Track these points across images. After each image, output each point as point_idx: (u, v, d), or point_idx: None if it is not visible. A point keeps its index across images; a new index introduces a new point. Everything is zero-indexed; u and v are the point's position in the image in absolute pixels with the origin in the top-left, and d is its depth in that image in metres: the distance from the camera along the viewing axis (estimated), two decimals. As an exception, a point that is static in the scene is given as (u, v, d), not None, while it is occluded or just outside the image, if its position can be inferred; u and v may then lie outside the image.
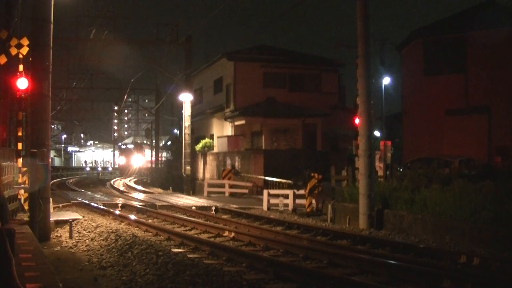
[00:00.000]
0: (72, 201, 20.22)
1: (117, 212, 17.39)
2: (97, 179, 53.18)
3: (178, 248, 10.80)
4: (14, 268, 3.72)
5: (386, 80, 38.20)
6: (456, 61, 25.24)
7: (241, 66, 32.60)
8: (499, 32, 23.63)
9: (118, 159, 72.53)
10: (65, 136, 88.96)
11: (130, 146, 65.97)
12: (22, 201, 14.57)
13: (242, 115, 31.24)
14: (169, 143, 56.77)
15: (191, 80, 31.29)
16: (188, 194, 27.37)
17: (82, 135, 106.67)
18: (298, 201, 18.27)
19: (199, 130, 38.41)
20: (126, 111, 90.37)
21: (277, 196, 19.21)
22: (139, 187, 35.87)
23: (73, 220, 13.00)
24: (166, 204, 20.34)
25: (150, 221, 15.58)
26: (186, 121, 29.39)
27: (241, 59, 33.02)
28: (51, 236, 12.07)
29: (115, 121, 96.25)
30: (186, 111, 29.44)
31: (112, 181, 43.20)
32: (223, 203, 20.68)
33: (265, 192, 19.51)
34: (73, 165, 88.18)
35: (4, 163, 12.77)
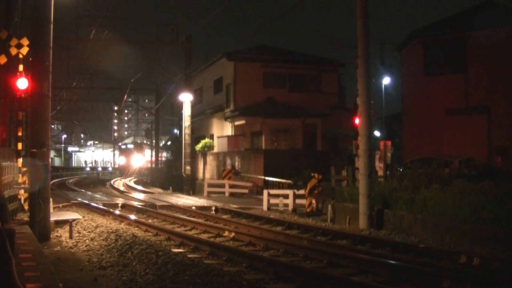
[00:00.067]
0: (72, 201, 20.23)
1: (117, 212, 17.39)
2: (97, 179, 53.21)
3: (178, 248, 10.80)
4: (14, 268, 3.72)
5: (386, 80, 38.26)
6: (456, 61, 25.24)
7: (241, 66, 32.61)
8: (499, 32, 23.63)
9: (118, 159, 72.56)
10: (65, 136, 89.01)
11: (130, 146, 65.98)
12: (22, 201, 14.57)
13: (242, 115, 31.24)
14: (169, 143, 56.78)
15: (191, 80, 31.29)
16: (188, 194, 27.38)
17: (82, 135, 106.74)
18: (298, 201, 18.26)
19: (199, 130, 38.42)
20: (126, 111, 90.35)
21: (277, 196, 19.21)
22: (139, 187, 35.88)
23: (73, 220, 13.00)
24: (166, 204, 20.34)
25: (150, 221, 15.58)
26: (186, 121, 29.39)
27: (241, 59, 33.02)
28: (51, 236, 12.07)
29: (115, 121, 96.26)
30: (186, 111, 29.45)
31: (112, 181, 43.21)
32: (223, 203, 20.68)
33: (265, 192, 19.51)
34: (73, 165, 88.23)
35: (4, 163, 12.76)
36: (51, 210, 12.82)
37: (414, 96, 27.42)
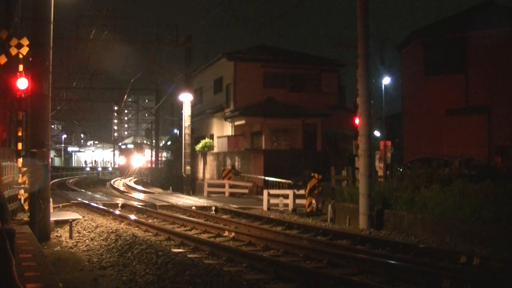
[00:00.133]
0: (72, 201, 20.23)
1: (117, 212, 17.39)
2: (97, 179, 53.21)
3: (178, 248, 10.81)
4: (14, 268, 3.72)
5: (386, 80, 38.30)
6: (456, 61, 25.24)
7: (241, 66, 32.60)
8: (499, 32, 23.64)
9: (118, 159, 72.57)
10: (65, 136, 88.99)
11: (130, 146, 65.96)
12: (22, 201, 14.57)
13: (242, 115, 31.24)
14: (169, 143, 56.75)
15: (191, 80, 31.29)
16: (188, 194, 27.37)
17: (82, 135, 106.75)
18: (298, 201, 18.26)
19: (199, 130, 38.41)
20: (126, 111, 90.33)
21: (277, 196, 19.21)
22: (139, 187, 35.88)
23: (73, 220, 13.00)
24: (166, 204, 20.34)
25: (150, 221, 15.58)
26: (186, 121, 29.39)
27: (241, 59, 33.02)
28: (51, 236, 12.06)
29: (115, 121, 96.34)
30: (186, 111, 29.44)
31: (112, 181, 43.22)
32: (223, 203, 20.68)
33: (265, 192, 19.51)
34: (73, 165, 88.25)
35: (4, 163, 12.77)
36: (51, 210, 12.82)
37: (414, 96, 27.43)
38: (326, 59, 35.69)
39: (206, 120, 37.87)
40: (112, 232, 12.43)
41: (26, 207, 13.70)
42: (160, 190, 32.55)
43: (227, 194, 25.79)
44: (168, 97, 43.49)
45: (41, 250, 8.17)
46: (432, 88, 25.89)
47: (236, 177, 27.00)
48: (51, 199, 12.49)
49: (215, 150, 33.51)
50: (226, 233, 12.59)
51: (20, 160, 14.68)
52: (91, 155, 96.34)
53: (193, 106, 31.75)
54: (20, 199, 14.61)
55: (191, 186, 29.54)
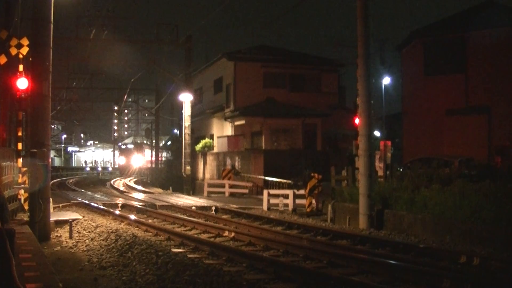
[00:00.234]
0: (72, 201, 20.23)
1: (117, 212, 17.39)
2: (97, 179, 53.20)
3: (178, 248, 10.80)
4: (14, 268, 3.72)
5: (386, 80, 38.30)
6: (456, 61, 25.25)
7: (241, 66, 32.60)
8: (499, 32, 23.65)
9: (118, 159, 72.57)
10: (65, 136, 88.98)
11: (130, 146, 65.98)
12: (22, 201, 14.58)
13: (242, 115, 31.24)
14: (169, 143, 56.75)
15: (191, 80, 31.29)
16: (188, 194, 27.37)
17: (82, 135, 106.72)
18: (298, 201, 18.26)
19: (199, 130, 38.42)
20: (126, 111, 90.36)
21: (277, 196, 19.21)
22: (139, 187, 35.88)
23: (73, 220, 13.00)
24: (166, 204, 20.34)
25: (150, 221, 15.58)
26: (186, 121, 29.39)
27: (241, 59, 33.02)
28: (51, 236, 12.06)
29: (115, 121, 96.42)
30: (186, 111, 29.44)
31: (112, 181, 43.22)
32: (223, 203, 20.68)
33: (265, 192, 19.51)
34: (73, 165, 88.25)
35: (4, 163, 12.77)
36: (51, 210, 12.82)
37: (414, 96, 27.43)
38: (326, 59, 35.69)
39: (206, 120, 37.87)
40: (112, 232, 12.43)
41: (26, 207, 13.71)
42: (160, 190, 32.55)
43: (227, 194, 25.79)
44: (168, 97, 43.51)
45: (41, 250, 8.17)
46: (432, 88, 25.89)
47: (236, 177, 27.00)
48: (51, 199, 12.49)
49: (215, 150, 33.51)
50: (226, 233, 12.59)
51: (20, 160, 14.68)
52: (91, 155, 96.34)
53: (193, 106, 31.75)
54: (20, 199, 14.61)
55: (191, 186, 29.54)
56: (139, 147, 60.24)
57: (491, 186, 12.15)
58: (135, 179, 46.60)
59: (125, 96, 47.70)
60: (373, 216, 13.82)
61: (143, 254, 9.54)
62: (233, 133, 32.93)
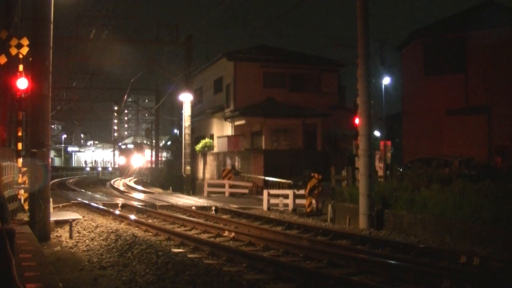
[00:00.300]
0: (72, 201, 20.23)
1: (117, 212, 17.39)
2: (97, 179, 53.19)
3: (178, 248, 10.80)
4: (14, 268, 3.72)
5: (386, 80, 38.28)
6: (456, 61, 25.25)
7: (241, 66, 32.60)
8: (499, 32, 23.64)
9: (118, 159, 72.57)
10: (65, 136, 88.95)
11: (130, 146, 65.99)
12: (22, 201, 14.58)
13: (242, 115, 31.24)
14: (169, 143, 56.77)
15: (191, 80, 31.29)
16: (188, 194, 27.38)
17: (82, 135, 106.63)
18: (298, 201, 18.27)
19: (199, 130, 38.42)
20: (126, 111, 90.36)
21: (277, 196, 19.21)
22: (139, 187, 35.88)
23: (73, 220, 13.00)
24: (166, 204, 20.34)
25: (150, 221, 15.58)
26: (186, 121, 29.39)
27: (241, 59, 33.02)
28: (51, 236, 12.06)
29: (115, 121, 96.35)
30: (186, 111, 29.44)
31: (112, 181, 43.22)
32: (223, 203, 20.68)
33: (265, 192, 19.51)
34: (73, 165, 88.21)
35: (4, 163, 12.77)
36: (51, 210, 12.81)
37: (414, 96, 27.43)
38: (326, 59, 35.68)
39: (206, 120, 37.87)
40: (112, 232, 12.43)
41: (26, 207, 13.71)
42: (160, 190, 32.56)
43: (227, 194, 25.79)
44: (168, 97, 43.52)
45: (41, 250, 8.18)
46: (432, 88, 25.89)
47: (236, 177, 27.00)
48: (51, 199, 12.49)
49: (215, 150, 33.51)
50: (226, 233, 12.59)
51: (20, 160, 14.68)
52: (91, 155, 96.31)
53: (193, 106, 31.75)
54: (20, 199, 14.61)
55: (191, 186, 29.54)
56: (139, 147, 60.25)
57: (491, 186, 12.15)
58: (135, 179, 46.61)
59: (125, 96, 47.72)
60: (373, 216, 13.82)
61: (143, 254, 9.54)
62: (233, 133, 32.93)
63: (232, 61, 32.77)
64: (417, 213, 12.82)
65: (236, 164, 28.22)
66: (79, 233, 12.76)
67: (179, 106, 32.63)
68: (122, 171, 59.20)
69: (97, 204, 19.45)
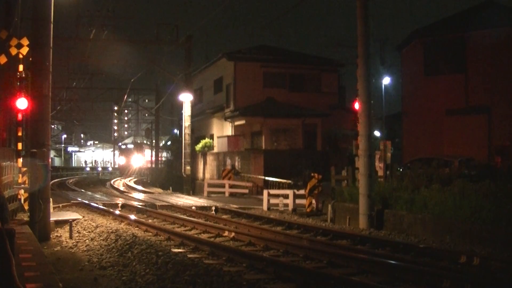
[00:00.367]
0: (72, 201, 20.23)
1: (117, 212, 17.39)
2: (97, 179, 53.19)
3: (178, 248, 10.80)
4: (14, 268, 3.72)
5: (386, 80, 38.27)
6: (456, 61, 25.25)
7: (241, 66, 32.60)
8: (499, 32, 23.65)
9: (118, 159, 72.57)
10: (65, 136, 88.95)
11: (130, 146, 65.98)
12: (22, 201, 14.57)
13: (242, 115, 31.23)
14: (169, 143, 56.74)
15: (191, 80, 31.28)
16: (188, 194, 27.38)
17: (82, 135, 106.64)
18: (298, 201, 18.26)
19: (199, 130, 38.41)
20: (126, 111, 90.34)
21: (277, 196, 19.21)
22: (139, 187, 35.88)
23: (73, 220, 13.00)
24: (166, 204, 20.34)
25: (150, 221, 15.58)
26: (186, 121, 29.39)
27: (241, 59, 33.01)
28: (51, 236, 12.07)
29: (115, 121, 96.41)
30: (186, 111, 29.44)
31: (112, 181, 43.22)
32: (223, 203, 20.68)
33: (265, 192, 19.51)
34: (73, 165, 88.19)
35: (4, 163, 12.77)
36: (51, 210, 12.82)
37: (414, 96, 27.43)
38: (326, 59, 35.68)
39: (206, 120, 37.87)
40: (112, 232, 12.43)
41: (26, 207, 13.70)
42: (160, 190, 32.56)
43: (227, 194, 25.78)
44: (168, 97, 43.51)
45: (41, 250, 8.18)
46: (432, 88, 25.89)
47: (236, 177, 27.00)
48: (51, 199, 12.49)
49: (215, 150, 33.51)
50: (226, 233, 12.59)
51: (20, 160, 14.67)
52: (91, 155, 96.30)
53: (193, 106, 31.74)
54: (20, 199, 14.61)
55: (191, 186, 29.54)
56: (139, 147, 60.24)
57: (491, 186, 12.15)
58: (135, 179, 46.60)
59: (125, 96, 47.70)
60: (373, 216, 13.82)
61: (143, 254, 9.54)
62: (233, 133, 32.93)
63: (232, 61, 32.76)
64: (417, 213, 12.83)
65: (236, 164, 28.22)
66: (79, 233, 12.76)
67: (179, 106, 32.63)
68: (122, 171, 59.20)
69: (97, 204, 19.45)
